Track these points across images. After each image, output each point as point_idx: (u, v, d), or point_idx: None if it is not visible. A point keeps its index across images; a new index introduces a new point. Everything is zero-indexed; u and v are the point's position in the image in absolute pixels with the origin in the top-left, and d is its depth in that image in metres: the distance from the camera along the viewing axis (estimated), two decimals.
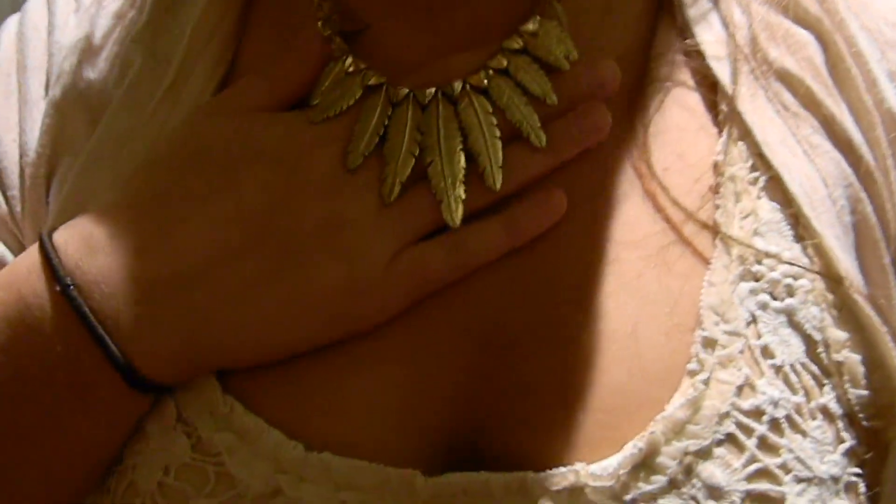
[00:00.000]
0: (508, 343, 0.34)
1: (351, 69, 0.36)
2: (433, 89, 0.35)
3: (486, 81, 0.35)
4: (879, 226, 0.37)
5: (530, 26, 0.35)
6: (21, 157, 0.40)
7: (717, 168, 0.36)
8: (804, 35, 0.38)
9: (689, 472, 0.32)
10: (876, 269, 0.37)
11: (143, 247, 0.33)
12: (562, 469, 0.32)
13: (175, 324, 0.33)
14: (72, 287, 0.32)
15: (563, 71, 0.35)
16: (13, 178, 0.40)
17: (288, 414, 0.33)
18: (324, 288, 0.33)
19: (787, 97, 0.38)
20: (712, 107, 0.37)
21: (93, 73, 0.40)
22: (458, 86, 0.35)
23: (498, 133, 0.34)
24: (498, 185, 0.34)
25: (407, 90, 0.35)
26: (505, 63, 0.35)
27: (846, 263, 0.35)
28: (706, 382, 0.33)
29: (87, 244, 0.33)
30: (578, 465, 0.32)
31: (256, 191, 0.34)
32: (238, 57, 0.39)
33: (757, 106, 0.36)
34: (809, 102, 0.38)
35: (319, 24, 0.36)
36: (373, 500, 0.32)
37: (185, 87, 0.38)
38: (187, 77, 0.38)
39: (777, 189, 0.36)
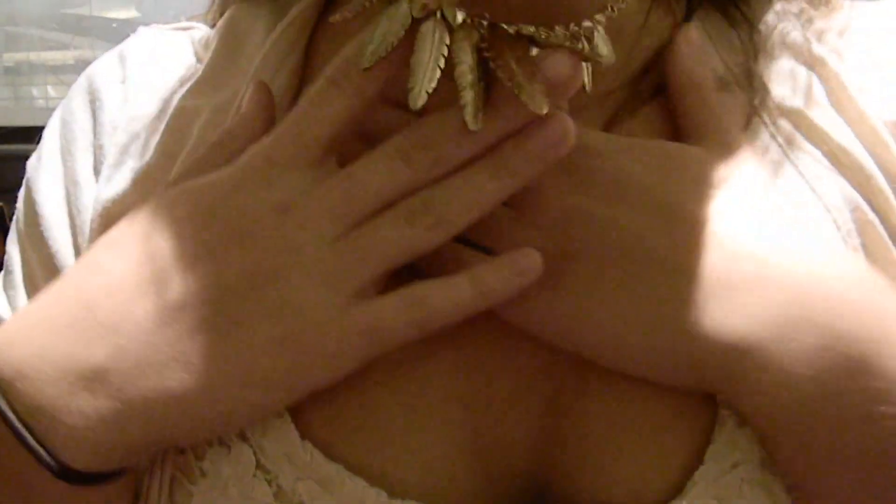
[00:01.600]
0: (580, 388, 0.35)
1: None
2: (464, 13, 0.35)
3: (513, 29, 0.35)
4: (892, 243, 0.39)
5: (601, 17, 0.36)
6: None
7: None
8: (805, 72, 0.40)
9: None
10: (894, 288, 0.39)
11: (63, 336, 0.33)
12: None
13: (99, 412, 0.32)
14: None
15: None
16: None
17: (366, 460, 0.34)
18: (256, 349, 0.32)
19: (792, 132, 0.40)
20: None
21: (157, 140, 0.42)
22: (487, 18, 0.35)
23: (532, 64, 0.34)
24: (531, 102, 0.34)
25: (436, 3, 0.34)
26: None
27: None
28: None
29: (8, 335, 0.34)
30: None
31: (173, 253, 0.33)
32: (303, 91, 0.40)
33: (758, 142, 0.39)
34: (813, 134, 0.40)
35: None
36: None
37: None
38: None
39: (778, 218, 0.39)
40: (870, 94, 0.42)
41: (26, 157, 0.47)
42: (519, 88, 0.32)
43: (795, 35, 0.42)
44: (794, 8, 0.43)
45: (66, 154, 0.42)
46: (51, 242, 0.42)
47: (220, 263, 0.33)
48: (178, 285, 0.32)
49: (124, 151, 0.41)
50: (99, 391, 0.32)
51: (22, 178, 0.47)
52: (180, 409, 0.32)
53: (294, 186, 0.32)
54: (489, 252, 0.36)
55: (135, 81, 0.42)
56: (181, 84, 0.42)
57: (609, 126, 0.40)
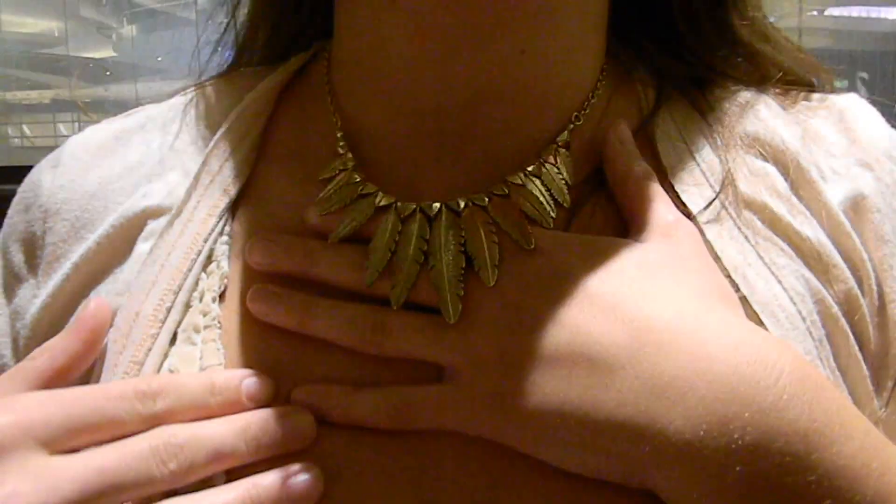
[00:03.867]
0: (517, 480, 0.36)
1: (363, 191, 0.38)
2: (440, 204, 0.38)
3: (487, 200, 0.38)
4: (854, 339, 0.40)
5: (534, 168, 0.39)
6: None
7: None
8: (770, 168, 0.42)
9: None
10: (857, 378, 0.39)
11: None
12: None
13: None
14: None
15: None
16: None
17: None
18: None
19: (757, 224, 0.41)
20: None
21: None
22: (462, 202, 0.38)
23: (495, 238, 0.37)
24: (492, 282, 0.36)
25: (415, 206, 0.38)
26: (506, 190, 0.38)
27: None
28: None
29: None
30: None
31: None
32: (252, 178, 0.41)
33: (724, 233, 0.40)
34: (777, 226, 0.41)
35: (340, 144, 0.39)
36: None
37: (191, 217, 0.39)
38: (192, 212, 0.39)
39: (746, 308, 0.39)
40: (829, 179, 0.43)
41: (1, 195, 0.46)
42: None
43: (759, 126, 0.43)
44: (761, 100, 0.44)
45: (6, 252, 0.42)
46: None
47: None
48: None
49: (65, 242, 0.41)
50: None
51: None
52: None
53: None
54: (420, 363, 0.36)
55: (68, 165, 0.42)
56: (125, 169, 0.41)
57: (576, 213, 0.40)
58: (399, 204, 0.38)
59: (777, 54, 0.45)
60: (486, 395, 0.34)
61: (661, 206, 0.38)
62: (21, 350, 0.42)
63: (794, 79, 0.46)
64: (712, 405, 0.32)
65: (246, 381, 0.35)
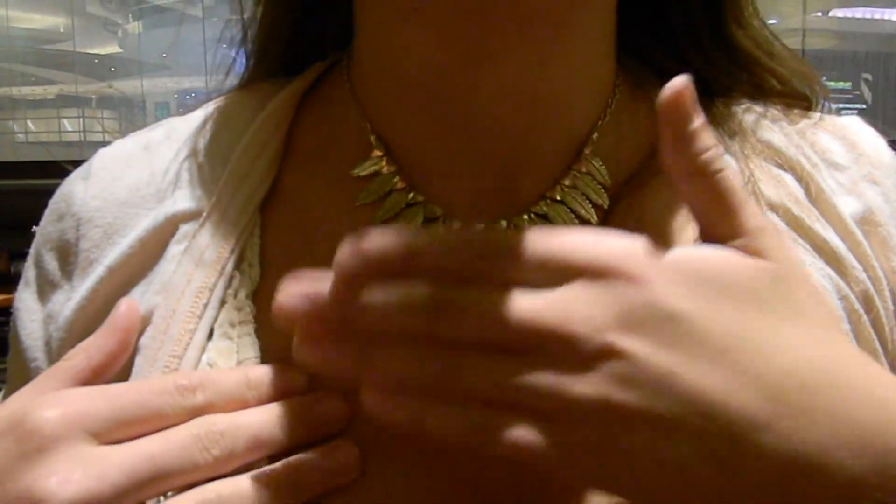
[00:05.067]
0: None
1: (412, 200, 0.39)
2: (504, 221, 0.38)
3: (545, 208, 0.38)
4: (875, 335, 0.40)
5: (569, 181, 0.39)
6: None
7: None
8: (786, 176, 0.42)
9: None
10: None
11: None
12: None
13: None
14: None
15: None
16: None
17: None
18: None
19: (782, 225, 0.41)
20: None
21: None
22: (503, 224, 0.38)
23: None
24: None
25: (459, 222, 0.38)
26: (545, 210, 0.38)
27: None
28: None
29: None
30: None
31: None
32: (278, 181, 0.42)
33: None
34: (799, 228, 0.41)
35: (374, 146, 0.40)
36: None
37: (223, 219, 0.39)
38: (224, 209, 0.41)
39: None
40: (837, 192, 0.43)
41: (5, 191, 0.47)
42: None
43: (773, 136, 0.43)
44: (768, 113, 0.44)
45: (39, 260, 0.43)
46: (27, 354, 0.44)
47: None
48: None
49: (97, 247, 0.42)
50: None
51: (1, 210, 0.47)
52: None
53: None
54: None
55: (99, 175, 0.43)
56: (153, 177, 0.43)
57: (607, 219, 0.40)
58: (446, 219, 0.38)
59: (776, 66, 0.46)
60: (589, 442, 0.31)
61: (750, 208, 0.34)
62: (54, 352, 0.43)
63: (791, 91, 0.46)
64: (862, 481, 0.30)
65: (280, 374, 0.35)
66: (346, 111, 0.41)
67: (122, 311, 0.37)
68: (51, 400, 0.32)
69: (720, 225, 0.32)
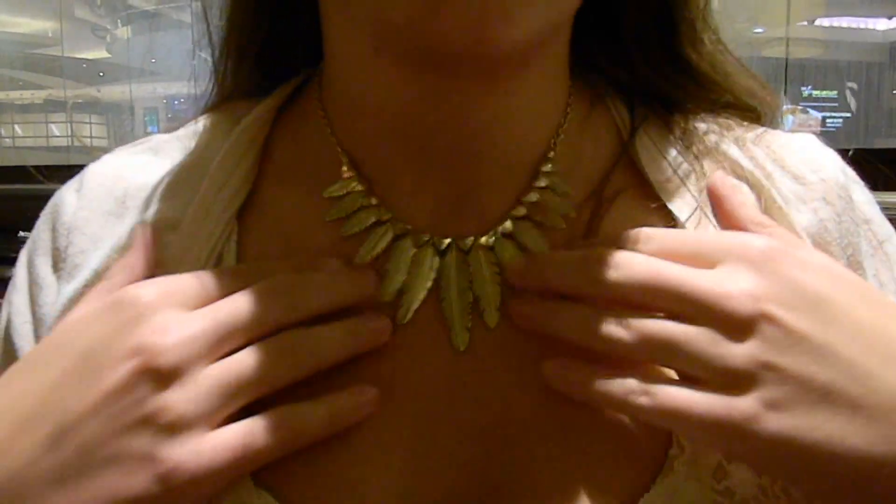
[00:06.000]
0: (506, 436, 0.37)
1: (382, 218, 0.40)
2: (450, 240, 0.39)
3: (492, 240, 0.39)
4: None
5: (532, 196, 0.40)
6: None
7: None
8: (741, 184, 0.43)
9: None
10: None
11: None
12: None
13: None
14: None
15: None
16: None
17: (308, 500, 0.36)
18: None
19: None
20: None
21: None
22: (469, 241, 0.39)
23: (499, 280, 0.39)
24: (493, 324, 0.38)
25: (428, 237, 0.40)
26: (510, 227, 0.39)
27: None
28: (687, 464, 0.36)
29: None
30: None
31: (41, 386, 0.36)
32: (254, 192, 0.43)
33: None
34: None
35: (344, 167, 0.40)
36: None
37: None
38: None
39: None
40: (791, 204, 0.44)
41: None
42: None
43: (729, 148, 0.44)
44: (724, 124, 0.46)
45: (31, 265, 0.45)
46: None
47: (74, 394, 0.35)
48: (57, 416, 0.35)
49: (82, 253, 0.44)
50: None
51: None
52: None
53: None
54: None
55: (90, 187, 0.45)
56: (138, 190, 0.44)
57: (590, 229, 0.41)
58: (413, 235, 0.39)
59: (730, 84, 0.47)
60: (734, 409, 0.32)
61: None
62: None
63: (744, 104, 0.47)
64: None
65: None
66: (319, 128, 0.43)
67: (142, 233, 0.42)
68: (145, 282, 0.38)
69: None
